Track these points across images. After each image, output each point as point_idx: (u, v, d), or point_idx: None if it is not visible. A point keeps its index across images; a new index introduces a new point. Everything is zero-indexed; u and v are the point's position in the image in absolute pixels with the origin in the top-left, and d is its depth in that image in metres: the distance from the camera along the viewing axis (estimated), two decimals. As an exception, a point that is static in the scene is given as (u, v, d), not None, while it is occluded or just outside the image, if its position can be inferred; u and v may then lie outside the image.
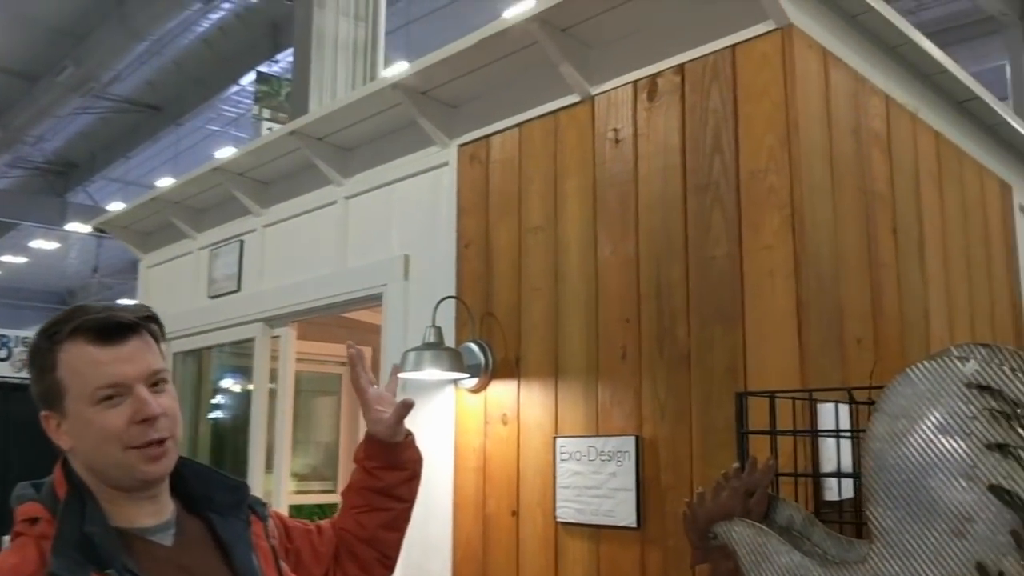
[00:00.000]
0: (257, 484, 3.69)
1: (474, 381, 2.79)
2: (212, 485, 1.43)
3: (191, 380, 4.54)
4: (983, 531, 1.44)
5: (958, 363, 1.49)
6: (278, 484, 3.58)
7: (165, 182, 16.79)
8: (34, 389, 1.35)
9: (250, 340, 3.83)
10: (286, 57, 13.78)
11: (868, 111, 2.42)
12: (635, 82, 2.48)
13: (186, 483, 1.41)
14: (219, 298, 4.06)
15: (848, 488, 2.07)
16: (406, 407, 1.66)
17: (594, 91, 2.58)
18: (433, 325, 2.75)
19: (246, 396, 4.65)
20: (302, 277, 3.55)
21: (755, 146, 2.20)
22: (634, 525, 2.33)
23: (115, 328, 1.31)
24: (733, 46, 2.27)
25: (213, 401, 4.62)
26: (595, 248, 2.52)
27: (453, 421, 2.86)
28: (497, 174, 2.85)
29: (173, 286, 4.46)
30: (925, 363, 1.53)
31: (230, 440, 4.61)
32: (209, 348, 4.26)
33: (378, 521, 1.68)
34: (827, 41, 2.29)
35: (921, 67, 2.61)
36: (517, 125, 2.80)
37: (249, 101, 15.41)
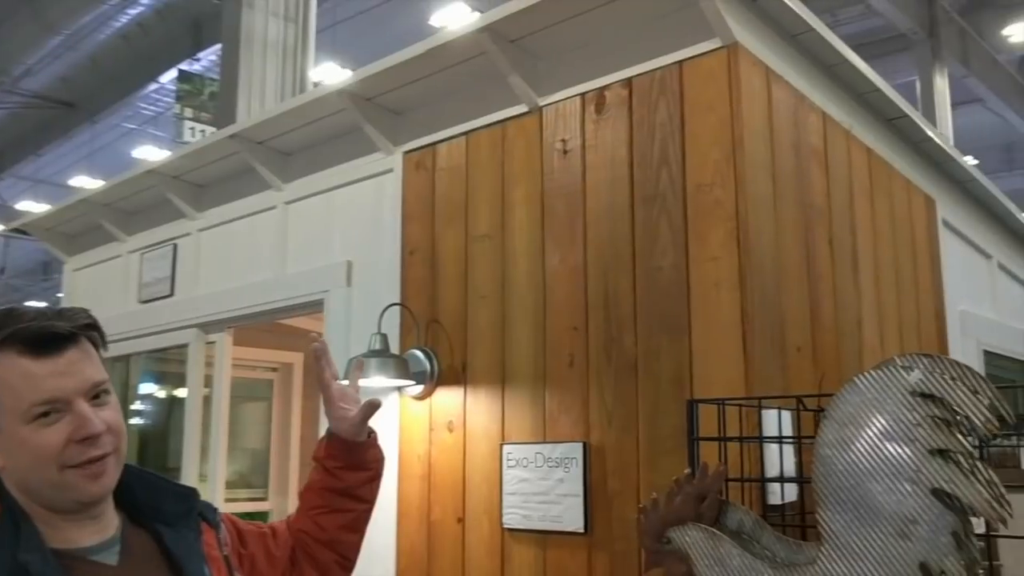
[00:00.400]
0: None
1: (419, 388, 2.79)
2: (159, 494, 1.34)
3: (118, 387, 4.42)
4: (926, 533, 1.51)
5: (903, 372, 1.57)
6: (213, 493, 3.51)
7: (80, 181, 16.28)
8: None
9: (183, 346, 3.76)
10: (208, 55, 13.53)
11: (807, 127, 2.51)
12: (583, 94, 2.53)
13: (131, 492, 1.31)
14: (150, 303, 3.97)
15: (790, 492, 2.15)
16: (372, 407, 1.59)
17: (542, 102, 2.62)
18: (379, 332, 2.75)
19: (170, 403, 4.57)
20: (240, 282, 3.50)
21: (701, 160, 2.26)
22: (581, 530, 2.36)
23: (50, 339, 1.20)
24: (680, 62, 2.34)
25: (136, 407, 4.51)
26: (543, 257, 2.55)
27: (397, 429, 2.86)
28: (444, 182, 2.86)
29: (100, 290, 4.34)
30: (871, 372, 1.60)
31: (152, 448, 4.51)
32: (139, 354, 4.16)
33: (338, 522, 1.60)
34: (769, 59, 2.37)
35: (855, 86, 2.72)
36: (464, 134, 2.82)
37: (169, 99, 15.08)
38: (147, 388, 4.55)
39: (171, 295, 3.88)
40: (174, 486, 1.39)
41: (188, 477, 3.65)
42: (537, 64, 2.62)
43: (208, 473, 3.61)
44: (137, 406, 4.49)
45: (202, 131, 11.11)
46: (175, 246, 3.90)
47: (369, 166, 3.10)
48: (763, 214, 2.26)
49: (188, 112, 11.21)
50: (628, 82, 2.43)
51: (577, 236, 2.48)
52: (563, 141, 2.55)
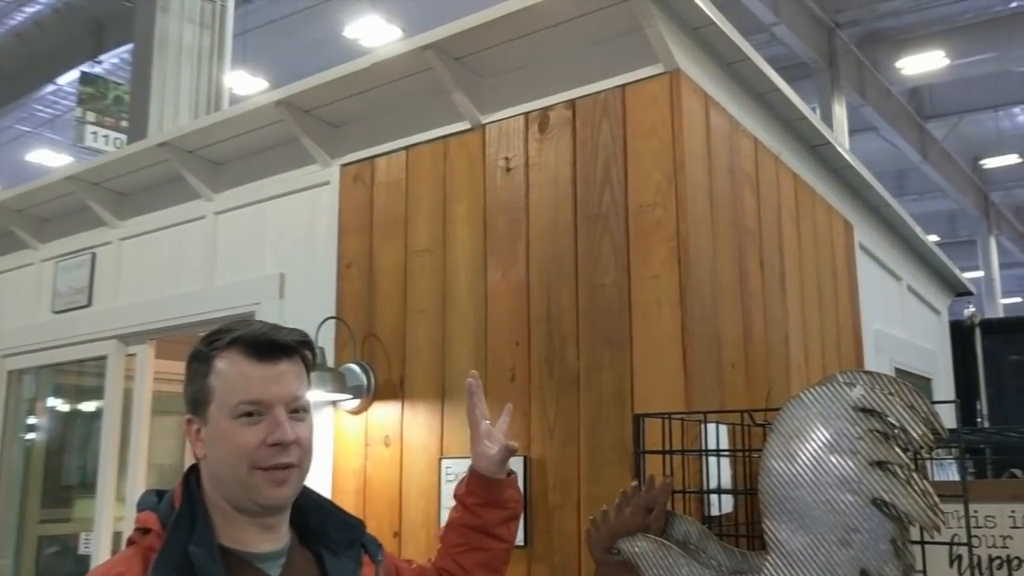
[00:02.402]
0: (107, 511, 3.51)
1: (355, 403, 2.78)
2: (328, 520, 1.43)
3: (21, 401, 4.25)
4: (866, 540, 1.59)
5: (845, 388, 1.65)
6: (133, 513, 3.41)
7: (-28, 185, 15.51)
8: (186, 392, 1.36)
9: (101, 358, 3.64)
10: (111, 58, 13.13)
11: (740, 152, 2.61)
12: (527, 114, 2.57)
13: (304, 515, 1.41)
14: (65, 313, 3.83)
15: (727, 503, 2.22)
16: (510, 450, 1.72)
17: (485, 120, 2.65)
18: (316, 346, 2.72)
19: (74, 417, 4.42)
20: (164, 293, 3.42)
21: (643, 181, 2.33)
22: (521, 543, 2.39)
23: (269, 346, 1.32)
24: (623, 86, 2.40)
25: (34, 421, 4.34)
26: (485, 272, 2.58)
27: (331, 443, 2.83)
28: (382, 195, 2.86)
29: (9, 299, 4.16)
30: (816, 388, 1.68)
31: (51, 464, 4.35)
32: (52, 366, 4.01)
33: (477, 560, 1.70)
34: (707, 86, 2.46)
35: (784, 114, 2.84)
36: (405, 148, 2.83)
37: (67, 102, 14.58)
38: (52, 402, 4.39)
39: (88, 305, 3.75)
40: (343, 515, 1.49)
41: (104, 497, 3.53)
42: (481, 82, 2.65)
43: (127, 492, 3.50)
44: (36, 420, 4.33)
45: (105, 136, 10.77)
46: (94, 255, 3.78)
47: (305, 178, 3.08)
48: (702, 235, 2.34)
49: (90, 116, 10.85)
50: (572, 103, 2.49)
51: (519, 253, 2.51)
52: (506, 159, 2.59)
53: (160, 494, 1.37)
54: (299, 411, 1.34)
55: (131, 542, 1.31)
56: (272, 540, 1.34)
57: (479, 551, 1.70)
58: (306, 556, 1.39)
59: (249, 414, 1.29)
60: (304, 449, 1.34)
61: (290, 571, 1.35)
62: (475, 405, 1.74)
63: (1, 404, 4.09)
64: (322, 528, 1.42)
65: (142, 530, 1.29)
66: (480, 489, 1.71)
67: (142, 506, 1.34)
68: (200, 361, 1.35)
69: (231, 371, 1.31)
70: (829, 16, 12.51)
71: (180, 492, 1.33)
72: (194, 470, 1.37)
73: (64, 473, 4.39)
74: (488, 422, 1.75)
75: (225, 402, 1.30)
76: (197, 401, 1.34)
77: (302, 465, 1.34)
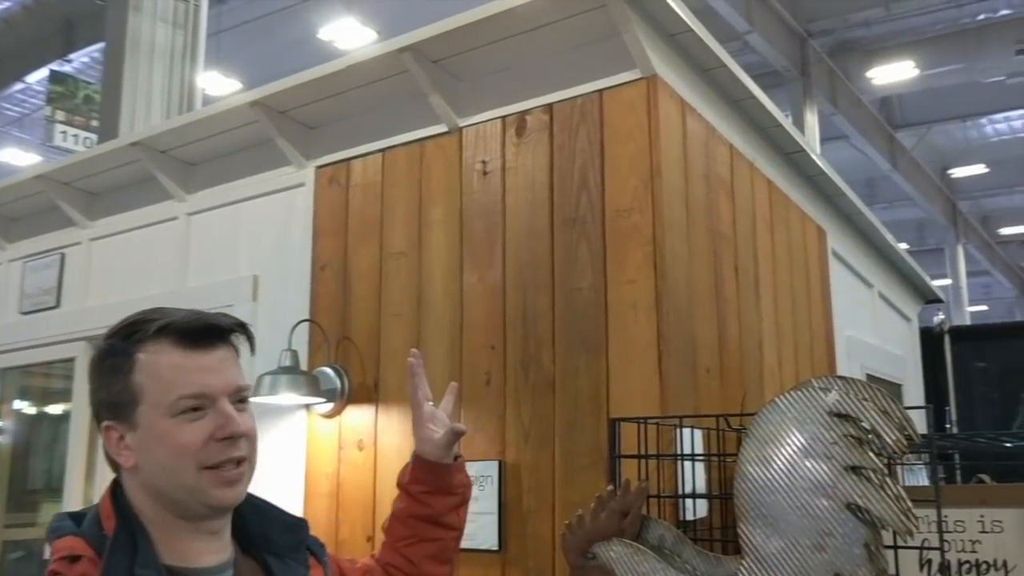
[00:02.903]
0: (74, 515, 3.45)
1: (329, 406, 2.76)
2: (271, 523, 1.32)
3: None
4: (840, 545, 1.60)
5: (820, 394, 1.66)
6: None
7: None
8: (97, 396, 1.22)
9: (69, 360, 3.59)
10: (81, 57, 12.99)
11: (716, 158, 2.63)
12: (504, 117, 2.57)
13: (243, 519, 1.30)
14: (33, 314, 3.78)
15: (702, 508, 2.23)
16: (457, 433, 1.60)
17: (462, 123, 2.64)
18: (289, 348, 2.70)
19: (40, 421, 4.35)
20: (135, 295, 3.37)
21: (620, 186, 2.33)
22: (496, 548, 2.38)
23: (205, 333, 1.21)
24: (601, 91, 2.41)
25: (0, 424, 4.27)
26: (460, 276, 2.57)
27: (304, 447, 2.81)
28: (358, 198, 2.85)
29: (-25, 299, 4.09)
30: (791, 393, 1.69)
31: (16, 468, 4.28)
32: (19, 368, 3.94)
33: (426, 552, 1.58)
34: (684, 92, 2.47)
35: (759, 121, 2.86)
36: (381, 151, 2.81)
37: (36, 100, 14.40)
38: (18, 404, 4.32)
39: (57, 306, 3.70)
40: (284, 515, 1.37)
41: (71, 501, 3.48)
42: (459, 85, 2.65)
43: (94, 496, 3.45)
44: (2, 423, 4.25)
45: (75, 136, 10.65)
46: (63, 255, 3.73)
47: (280, 179, 3.05)
48: (677, 240, 2.34)
49: (60, 115, 10.74)
50: (549, 108, 2.49)
51: (496, 256, 2.51)
52: (483, 162, 2.59)
53: (76, 516, 1.22)
54: (243, 401, 1.24)
55: (53, 574, 1.13)
56: (217, 550, 1.23)
57: (428, 542, 1.58)
58: (252, 565, 1.28)
59: (191, 408, 1.17)
60: (252, 442, 1.24)
61: None
62: (417, 386, 1.61)
63: (-34, 406, 4.02)
64: (264, 532, 1.31)
65: (69, 558, 1.13)
66: (427, 476, 1.58)
67: (59, 531, 1.18)
68: (116, 357, 1.21)
69: (163, 364, 1.18)
70: (801, 25, 12.63)
71: (110, 511, 1.18)
72: (118, 485, 1.23)
73: (30, 477, 4.32)
74: (431, 403, 1.63)
75: (160, 400, 1.17)
76: (118, 405, 1.19)
77: (251, 459, 1.24)
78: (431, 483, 1.58)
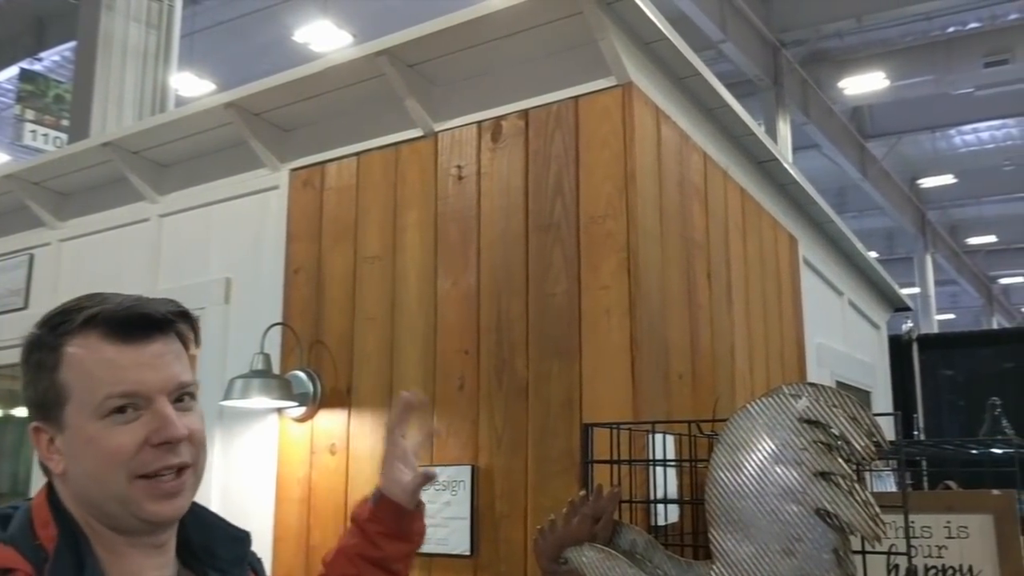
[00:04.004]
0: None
1: (301, 410, 2.74)
2: (214, 535, 1.20)
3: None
4: (809, 550, 1.61)
5: (791, 400, 1.67)
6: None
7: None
8: (26, 393, 1.09)
9: (37, 362, 3.54)
10: (52, 55, 12.85)
11: (690, 166, 2.65)
12: (480, 123, 2.57)
13: (185, 530, 1.16)
14: (0, 316, 3.72)
15: (673, 513, 2.24)
16: (428, 478, 1.49)
17: (438, 127, 2.65)
18: (261, 352, 2.69)
19: (8, 422, 4.29)
20: (105, 296, 3.34)
21: (595, 192, 2.34)
22: (467, 553, 2.38)
23: (139, 323, 1.06)
24: (576, 97, 2.42)
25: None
26: (435, 280, 2.57)
27: (276, 452, 2.79)
28: (332, 201, 2.84)
29: (-59, 300, 4.03)
30: (762, 399, 1.70)
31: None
32: (-15, 370, 3.89)
33: None
34: (659, 100, 2.49)
35: (732, 129, 2.88)
36: (356, 154, 2.81)
37: (6, 99, 14.22)
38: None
39: (25, 308, 3.66)
40: (229, 527, 1.25)
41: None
42: (434, 90, 2.65)
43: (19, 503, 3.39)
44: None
45: (44, 135, 10.54)
46: (31, 256, 3.68)
47: (253, 182, 3.04)
48: (651, 246, 2.36)
49: (30, 114, 10.62)
50: (525, 113, 2.50)
51: (470, 261, 2.51)
52: (458, 167, 2.59)
53: (0, 521, 1.06)
54: (184, 399, 1.08)
55: None
56: (160, 566, 1.10)
57: None
58: None
59: (122, 409, 1.03)
60: (197, 445, 1.08)
61: None
62: (400, 422, 1.50)
63: (-70, 408, 3.96)
64: (206, 545, 1.18)
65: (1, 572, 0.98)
66: (387, 517, 1.46)
67: None
68: (42, 351, 1.07)
69: (90, 359, 1.04)
70: (775, 35, 12.76)
71: (48, 518, 1.04)
72: (52, 494, 1.08)
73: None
74: (405, 443, 1.51)
75: (87, 399, 1.03)
76: (46, 404, 1.05)
77: (197, 466, 1.08)
78: (389, 525, 1.47)
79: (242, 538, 1.26)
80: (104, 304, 1.07)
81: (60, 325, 1.08)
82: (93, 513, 1.06)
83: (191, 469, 1.08)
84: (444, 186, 2.60)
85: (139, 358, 1.05)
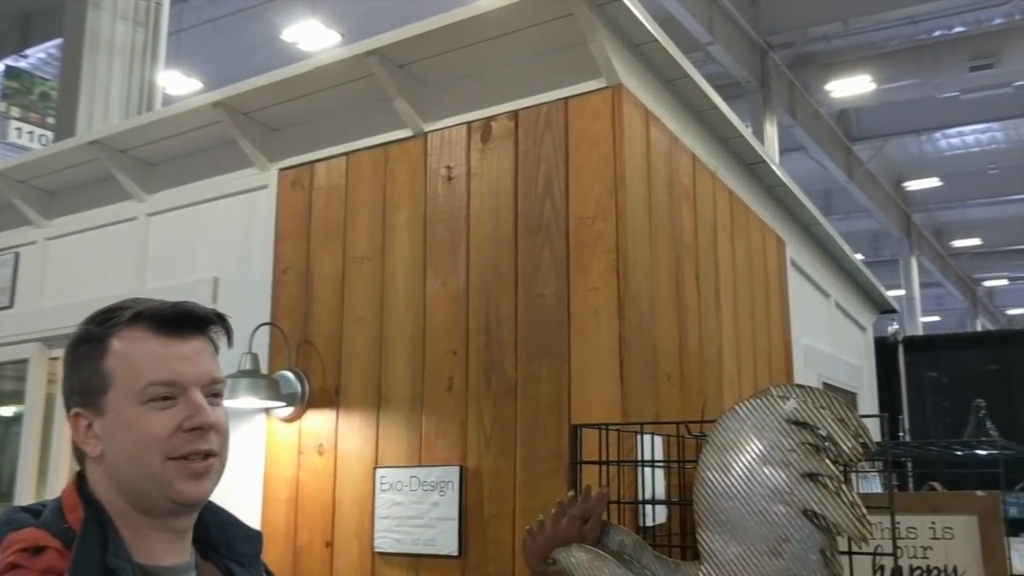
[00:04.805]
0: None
1: (289, 410, 2.74)
2: (232, 531, 1.29)
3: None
4: (797, 550, 1.62)
5: (779, 401, 1.68)
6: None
7: None
8: (68, 383, 1.19)
9: (22, 361, 3.52)
10: (37, 52, 12.76)
11: (679, 168, 2.66)
12: (469, 123, 2.58)
13: (204, 527, 1.26)
14: (-15, 314, 3.71)
15: (661, 514, 2.25)
16: None
17: (427, 128, 2.65)
18: (249, 351, 2.68)
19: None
20: (92, 295, 3.31)
21: (584, 193, 2.35)
22: (455, 553, 2.38)
23: (183, 321, 1.18)
24: (566, 99, 2.42)
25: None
26: (424, 281, 2.57)
27: (263, 452, 2.79)
28: (321, 201, 2.83)
29: (-75, 299, 4.00)
30: (750, 401, 1.71)
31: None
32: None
33: None
34: (648, 101, 2.49)
35: (721, 131, 2.89)
36: (345, 154, 2.80)
37: (-9, 96, 14.13)
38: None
39: (10, 307, 3.64)
40: (245, 527, 1.34)
41: (22, 504, 3.42)
42: (424, 90, 2.65)
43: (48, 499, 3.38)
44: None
45: (30, 132, 10.48)
46: (17, 255, 3.66)
47: (242, 181, 3.03)
48: (640, 248, 2.37)
49: (15, 111, 10.56)
50: (515, 114, 2.50)
51: (459, 262, 2.51)
52: (448, 168, 2.59)
53: (31, 511, 1.16)
54: (217, 395, 1.21)
55: (12, 566, 1.06)
56: (179, 551, 1.20)
57: None
58: (212, 570, 1.25)
59: (163, 397, 1.14)
60: (223, 437, 1.20)
61: None
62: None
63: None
64: (226, 541, 1.28)
65: (32, 550, 1.07)
66: None
67: (15, 523, 1.11)
68: (90, 344, 1.17)
69: (135, 350, 1.14)
70: (762, 37, 12.80)
71: (76, 502, 1.14)
72: (82, 477, 1.19)
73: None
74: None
75: (130, 386, 1.13)
76: (88, 391, 1.16)
77: (222, 455, 1.19)
78: None
79: (256, 536, 1.35)
80: (150, 304, 1.19)
81: (109, 320, 1.18)
82: (126, 494, 1.15)
83: (217, 457, 1.18)
84: (433, 187, 2.60)
85: (180, 352, 1.16)
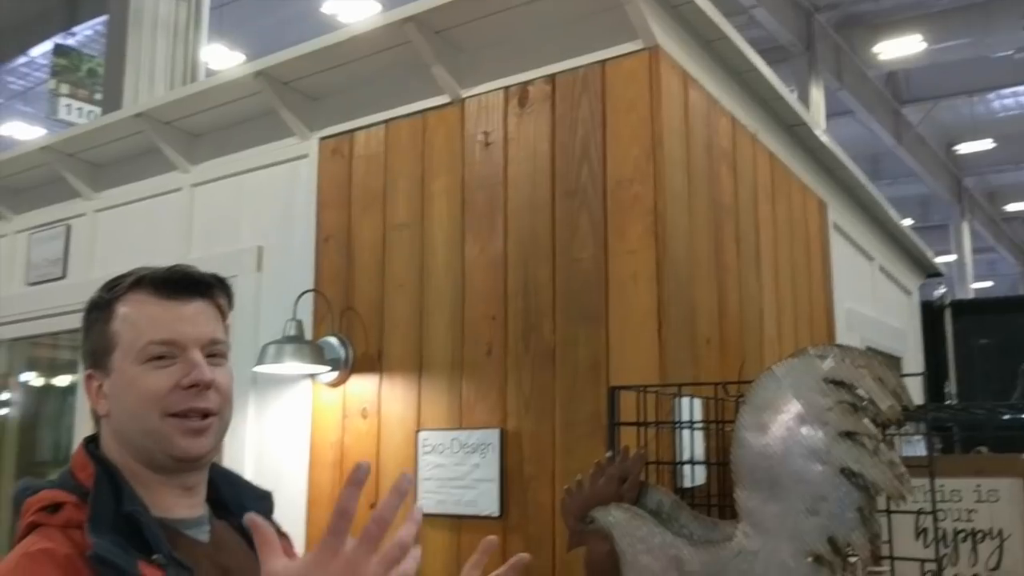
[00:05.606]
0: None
1: (333, 375, 2.79)
2: (243, 492, 1.34)
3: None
4: (834, 509, 1.62)
5: (817, 360, 1.68)
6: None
7: (-57, 157, 15.35)
8: (83, 347, 1.26)
9: (76, 331, 3.61)
10: (84, 30, 12.93)
11: (718, 130, 2.64)
12: (507, 88, 2.58)
13: (216, 488, 1.30)
14: (39, 285, 3.80)
15: (700, 475, 2.26)
16: None
17: (465, 94, 2.65)
18: (294, 318, 2.73)
19: (47, 392, 4.39)
20: (139, 266, 3.39)
21: (622, 156, 2.34)
22: (496, 514, 2.42)
23: (181, 283, 1.22)
24: (603, 61, 2.41)
25: (8, 396, 4.30)
26: (462, 247, 2.59)
27: (309, 416, 2.84)
28: (361, 169, 2.86)
29: (-18, 271, 4.13)
30: (788, 360, 1.71)
31: (25, 440, 4.33)
32: (27, 339, 3.98)
33: None
34: (686, 63, 2.47)
35: (761, 93, 2.86)
36: (384, 122, 2.83)
37: (39, 74, 14.37)
38: (25, 376, 4.36)
39: (63, 277, 3.73)
40: (253, 487, 1.38)
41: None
42: (461, 56, 2.65)
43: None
44: (10, 395, 4.30)
45: (79, 109, 10.65)
46: (68, 227, 3.75)
47: (283, 151, 3.07)
48: (679, 210, 2.36)
49: (64, 88, 10.73)
50: (552, 78, 2.50)
51: (497, 227, 2.53)
52: (485, 133, 2.60)
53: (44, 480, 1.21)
54: (217, 356, 1.23)
55: (33, 526, 1.11)
56: (192, 506, 1.23)
57: None
58: (226, 527, 1.27)
59: (160, 356, 1.17)
60: (224, 397, 1.22)
61: (217, 539, 1.24)
62: (478, 563, 1.33)
63: (-26, 377, 4.07)
64: (238, 500, 1.30)
65: (50, 507, 1.11)
66: None
67: (31, 488, 1.16)
68: (100, 309, 1.24)
69: (137, 313, 1.20)
70: (807, -1, 12.55)
71: (85, 462, 1.18)
72: (91, 441, 1.24)
73: (38, 448, 4.37)
74: None
75: (131, 346, 1.18)
76: (98, 352, 1.22)
77: (222, 414, 1.22)
78: None
79: (267, 496, 1.38)
80: (152, 269, 1.25)
81: (115, 286, 1.25)
82: (132, 451, 1.19)
83: (216, 416, 1.21)
84: (471, 152, 2.62)
85: (179, 313, 1.21)
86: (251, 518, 0.98)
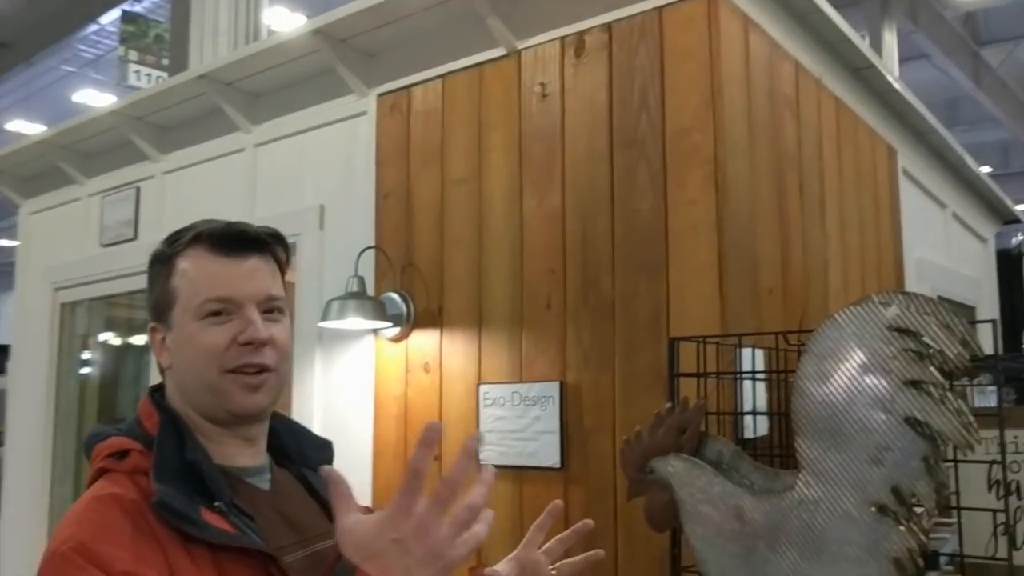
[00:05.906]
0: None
1: (396, 330, 2.83)
2: (303, 440, 1.35)
3: (75, 334, 4.38)
4: (898, 458, 1.59)
5: (880, 308, 1.64)
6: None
7: (17, 125, 15.72)
8: (148, 300, 1.27)
9: (149, 290, 3.72)
10: (152, -4, 13.12)
11: (780, 76, 2.57)
12: (563, 38, 2.54)
13: (278, 436, 1.32)
14: (113, 246, 3.92)
15: (762, 426, 2.24)
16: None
17: (520, 45, 2.63)
18: (356, 275, 2.76)
19: (125, 351, 4.53)
20: (207, 226, 3.47)
21: (680, 105, 2.30)
22: (558, 465, 2.44)
23: (238, 240, 1.22)
24: (660, 8, 2.36)
25: (88, 355, 4.46)
26: (520, 201, 2.58)
27: (373, 370, 2.89)
28: (419, 125, 2.87)
29: (59, 233, 4.27)
30: (850, 308, 1.67)
31: (105, 398, 4.48)
32: (103, 299, 4.11)
33: None
34: (747, 7, 2.41)
35: (826, 36, 2.77)
36: (440, 76, 2.82)
37: (109, 41, 14.66)
38: (103, 335, 4.51)
39: (135, 239, 3.84)
40: (314, 436, 1.39)
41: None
42: (516, 7, 2.62)
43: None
44: (90, 354, 4.45)
45: (147, 75, 10.84)
46: (138, 189, 3.84)
47: (342, 108, 3.09)
48: (739, 159, 2.31)
49: (133, 55, 10.93)
50: (608, 27, 2.46)
51: (555, 180, 2.51)
52: (542, 85, 2.57)
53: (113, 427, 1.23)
54: (274, 311, 1.23)
55: (102, 471, 1.15)
56: (253, 455, 1.25)
57: None
58: (287, 475, 1.30)
59: (217, 313, 1.18)
60: (281, 352, 1.22)
61: (278, 487, 1.26)
62: (536, 534, 1.42)
63: (56, 337, 4.23)
64: (299, 449, 1.33)
65: (117, 454, 1.15)
66: None
67: (100, 435, 1.20)
68: (161, 263, 1.24)
69: (195, 269, 1.20)
70: (880, -62, 12.07)
71: (151, 411, 1.20)
72: (156, 390, 1.26)
73: (118, 406, 4.53)
74: (541, 556, 1.44)
75: (190, 302, 1.19)
76: (160, 306, 1.23)
77: (279, 370, 1.22)
78: None
79: (328, 444, 1.39)
80: (211, 224, 1.24)
81: (176, 241, 1.24)
82: (193, 404, 1.21)
83: (273, 372, 1.22)
84: (528, 105, 2.60)
85: (236, 270, 1.21)
86: (327, 471, 1.00)
